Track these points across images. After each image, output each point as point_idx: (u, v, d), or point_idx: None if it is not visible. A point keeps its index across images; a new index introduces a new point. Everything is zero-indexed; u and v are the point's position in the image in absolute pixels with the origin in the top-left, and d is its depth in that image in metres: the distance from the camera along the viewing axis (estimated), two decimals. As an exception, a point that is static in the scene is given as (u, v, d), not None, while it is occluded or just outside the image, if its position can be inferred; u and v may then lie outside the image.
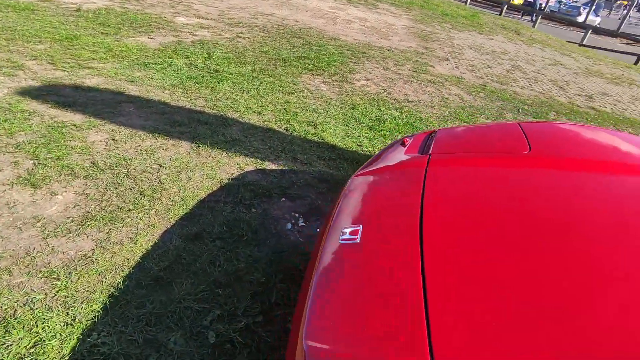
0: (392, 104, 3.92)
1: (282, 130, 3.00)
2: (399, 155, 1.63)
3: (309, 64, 4.58)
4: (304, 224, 2.09)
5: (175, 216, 1.96)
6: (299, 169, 2.55)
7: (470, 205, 1.19)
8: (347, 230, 1.17)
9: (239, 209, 2.09)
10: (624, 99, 5.82)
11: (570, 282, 0.85)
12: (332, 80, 4.25)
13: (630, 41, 15.59)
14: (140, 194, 2.05)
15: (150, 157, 2.38)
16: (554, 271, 0.89)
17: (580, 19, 17.14)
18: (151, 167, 2.28)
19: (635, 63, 10.95)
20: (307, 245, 1.93)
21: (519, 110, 4.43)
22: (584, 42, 12.19)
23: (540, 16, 13.55)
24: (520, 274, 0.88)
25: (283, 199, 2.24)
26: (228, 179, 2.31)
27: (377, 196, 1.38)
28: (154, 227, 1.87)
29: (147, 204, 2.00)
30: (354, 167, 2.67)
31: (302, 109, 3.41)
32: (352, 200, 1.40)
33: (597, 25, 14.97)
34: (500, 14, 13.86)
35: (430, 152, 1.56)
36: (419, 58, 5.83)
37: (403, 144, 1.74)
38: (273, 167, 2.52)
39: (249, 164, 2.50)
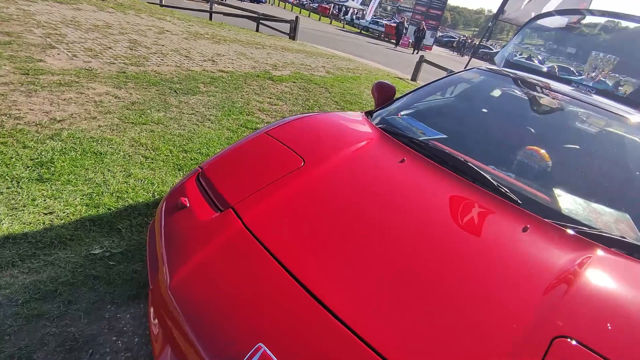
0: (35, 134, 2.77)
1: None
2: (198, 227, 1.26)
3: None
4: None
5: None
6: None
7: (318, 238, 1.20)
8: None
9: None
10: (233, 56, 6.99)
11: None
12: None
13: (194, -2, 18.05)
14: None
15: None
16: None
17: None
18: None
19: (210, 19, 13.06)
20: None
21: (176, 92, 4.36)
22: (164, 3, 12.97)
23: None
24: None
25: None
26: None
27: (225, 310, 1.05)
28: None
29: None
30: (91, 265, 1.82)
31: None
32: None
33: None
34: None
35: (230, 205, 1.33)
36: (11, 52, 4.23)
37: (183, 206, 1.35)
38: None
39: None
